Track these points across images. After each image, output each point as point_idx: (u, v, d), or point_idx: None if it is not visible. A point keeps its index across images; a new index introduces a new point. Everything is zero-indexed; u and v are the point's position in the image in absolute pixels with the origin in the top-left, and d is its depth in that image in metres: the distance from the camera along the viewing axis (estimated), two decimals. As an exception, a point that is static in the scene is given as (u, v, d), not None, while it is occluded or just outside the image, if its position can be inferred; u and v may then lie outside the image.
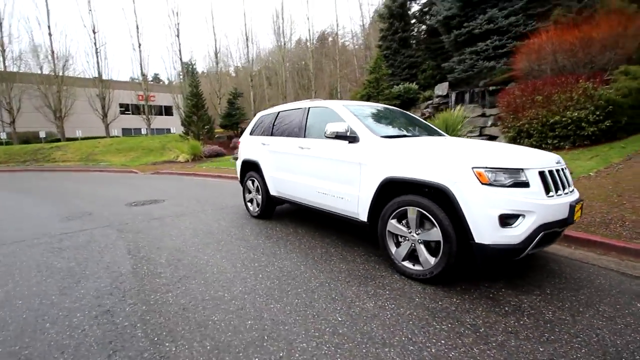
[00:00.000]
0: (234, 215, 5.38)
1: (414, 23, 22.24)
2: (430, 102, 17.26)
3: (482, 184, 2.43)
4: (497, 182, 2.44)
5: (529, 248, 2.44)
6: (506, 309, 2.37)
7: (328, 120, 3.95)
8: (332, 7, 65.50)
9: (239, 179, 5.56)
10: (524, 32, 14.54)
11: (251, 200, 5.29)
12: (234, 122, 20.48)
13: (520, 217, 2.41)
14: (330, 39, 36.66)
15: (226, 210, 5.77)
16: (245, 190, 5.37)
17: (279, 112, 4.86)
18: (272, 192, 4.70)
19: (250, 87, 27.68)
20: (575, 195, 2.83)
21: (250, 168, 5.21)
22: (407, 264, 2.91)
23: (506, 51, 14.93)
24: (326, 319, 2.28)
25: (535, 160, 2.63)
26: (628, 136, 7.22)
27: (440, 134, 4.14)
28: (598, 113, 7.31)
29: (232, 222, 4.91)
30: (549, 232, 2.51)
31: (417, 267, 2.83)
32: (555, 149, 7.83)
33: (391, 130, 3.69)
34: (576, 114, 7.46)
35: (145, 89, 29.04)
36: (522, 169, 2.48)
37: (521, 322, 2.20)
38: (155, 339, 2.10)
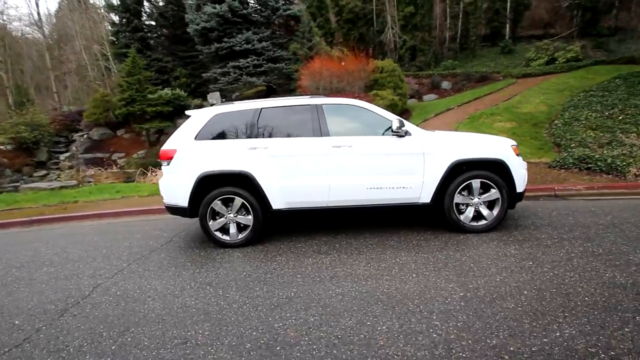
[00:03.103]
0: (200, 253, 3.74)
1: (155, 26, 20.49)
2: (204, 110, 16.98)
3: (516, 155, 3.88)
4: (518, 153, 3.96)
5: (524, 191, 4.17)
6: (548, 241, 3.91)
7: (357, 117, 4.00)
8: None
9: (187, 203, 3.83)
10: (274, 57, 17.82)
11: (222, 229, 3.90)
12: None
13: (526, 172, 4.08)
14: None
15: (160, 255, 3.78)
16: (208, 216, 3.84)
17: (261, 109, 3.95)
18: (278, 205, 3.83)
19: None
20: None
21: (223, 183, 3.82)
22: (473, 223, 3.86)
23: (263, 70, 17.59)
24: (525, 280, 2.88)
25: (508, 139, 4.41)
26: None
27: None
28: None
29: (228, 262, 3.50)
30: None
31: (482, 222, 3.86)
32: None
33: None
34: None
35: None
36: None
37: (563, 235, 3.78)
38: None
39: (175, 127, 17.80)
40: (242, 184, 3.83)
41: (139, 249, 4.14)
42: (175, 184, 3.90)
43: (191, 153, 3.86)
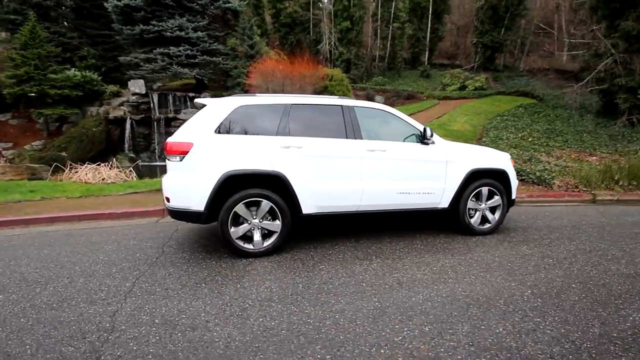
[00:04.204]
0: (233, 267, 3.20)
1: (58, -8, 16.95)
2: (124, 99, 14.75)
3: (512, 166, 4.43)
4: (514, 165, 4.53)
5: (513, 198, 4.78)
6: (543, 241, 4.50)
7: (386, 123, 4.04)
8: None
9: (205, 207, 3.25)
10: (209, 49, 16.54)
11: (246, 236, 3.43)
12: None
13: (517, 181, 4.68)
14: None
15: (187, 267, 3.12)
16: (230, 222, 3.32)
17: (292, 105, 3.62)
18: (309, 209, 3.56)
19: None
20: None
21: (249, 184, 3.36)
22: (480, 226, 4.25)
23: (197, 62, 16.15)
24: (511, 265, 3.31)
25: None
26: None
27: None
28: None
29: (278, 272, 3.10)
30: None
31: (487, 225, 4.28)
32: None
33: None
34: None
35: None
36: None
37: (550, 236, 4.45)
38: (628, 329, 2.19)
39: (85, 115, 14.97)
40: (272, 185, 3.45)
41: (127, 263, 3.33)
42: (189, 184, 3.28)
43: (212, 148, 3.31)
